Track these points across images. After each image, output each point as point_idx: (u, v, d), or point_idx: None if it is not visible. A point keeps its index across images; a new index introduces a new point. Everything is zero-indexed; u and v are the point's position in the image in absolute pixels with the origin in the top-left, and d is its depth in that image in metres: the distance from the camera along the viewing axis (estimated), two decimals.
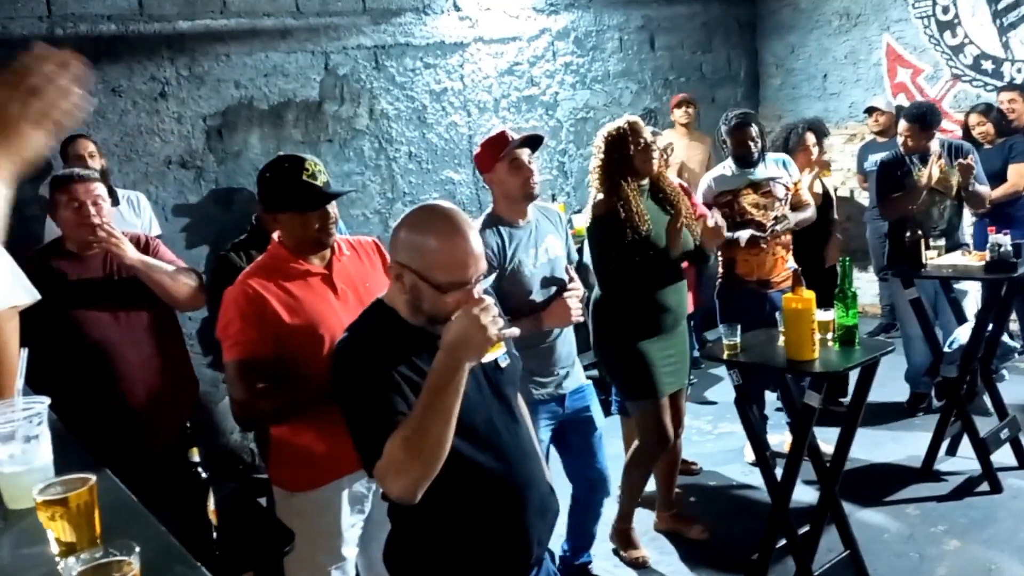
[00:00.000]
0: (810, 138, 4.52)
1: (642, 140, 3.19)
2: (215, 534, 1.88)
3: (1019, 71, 5.72)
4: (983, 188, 4.44)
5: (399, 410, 1.58)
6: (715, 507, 3.96)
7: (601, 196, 3.24)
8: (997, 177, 4.87)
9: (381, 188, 5.08)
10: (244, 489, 3.24)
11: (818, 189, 4.57)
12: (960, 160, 4.33)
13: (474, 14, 5.35)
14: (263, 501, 2.64)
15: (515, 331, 1.66)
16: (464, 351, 1.54)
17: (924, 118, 4.43)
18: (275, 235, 2.35)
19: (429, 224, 1.65)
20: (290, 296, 2.22)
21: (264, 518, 2.25)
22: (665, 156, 4.06)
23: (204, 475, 1.88)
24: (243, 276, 2.26)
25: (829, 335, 3.08)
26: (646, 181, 3.27)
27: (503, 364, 1.82)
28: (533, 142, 2.88)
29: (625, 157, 3.18)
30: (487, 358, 1.67)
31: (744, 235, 3.97)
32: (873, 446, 4.30)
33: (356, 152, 4.96)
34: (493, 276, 2.76)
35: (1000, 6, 5.75)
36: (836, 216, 4.91)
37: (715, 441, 4.69)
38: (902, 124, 4.49)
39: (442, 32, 5.23)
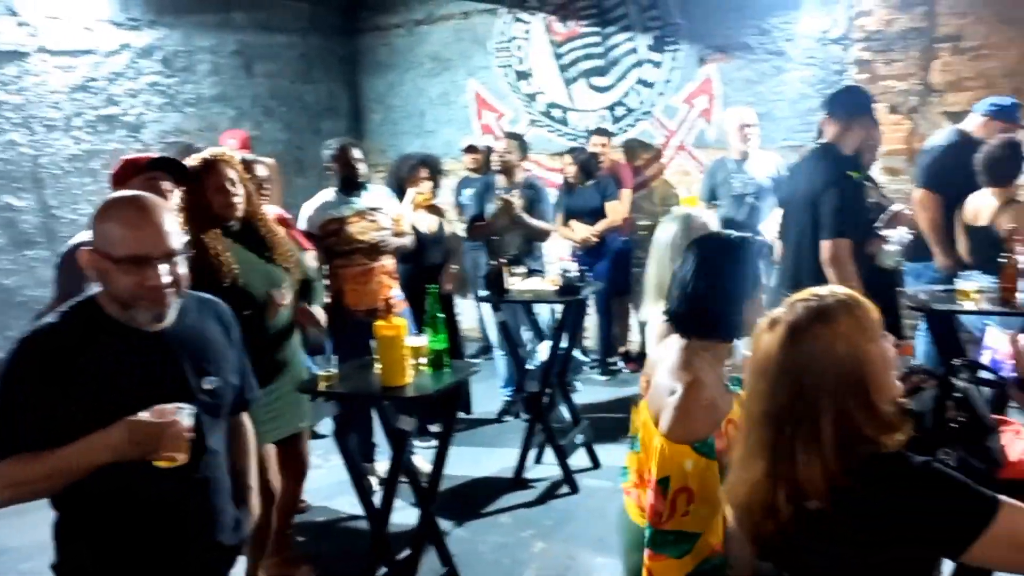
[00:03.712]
0: (423, 171, 4.69)
1: (221, 181, 2.86)
2: None
3: (581, 119, 6.55)
4: (538, 223, 4.92)
5: (26, 432, 1.61)
6: (325, 543, 3.87)
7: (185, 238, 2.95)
8: (596, 214, 5.52)
9: None
10: None
11: (433, 224, 4.75)
12: (502, 196, 4.77)
13: (35, 21, 4.70)
14: None
15: (182, 458, 1.65)
16: (126, 452, 1.60)
17: (520, 137, 5.10)
18: None
19: (112, 208, 1.70)
20: None
21: None
22: (263, 189, 3.89)
23: None
24: None
25: (422, 360, 3.19)
26: (235, 222, 2.97)
27: (208, 386, 1.80)
28: (177, 169, 2.67)
29: (201, 200, 2.86)
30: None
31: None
32: (472, 461, 4.54)
33: None
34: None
35: (563, 62, 6.55)
36: (451, 247, 5.15)
37: (326, 474, 4.59)
38: (503, 144, 4.94)
39: None
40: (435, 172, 4.94)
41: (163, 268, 1.65)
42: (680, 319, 1.85)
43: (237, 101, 6.08)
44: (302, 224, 4.12)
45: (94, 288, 1.73)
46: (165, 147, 5.48)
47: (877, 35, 5.46)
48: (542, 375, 4.38)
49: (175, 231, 1.70)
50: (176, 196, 2.73)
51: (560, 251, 5.89)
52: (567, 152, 5.77)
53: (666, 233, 2.24)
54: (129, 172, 2.64)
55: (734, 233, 1.94)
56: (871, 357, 1.35)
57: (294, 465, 3.28)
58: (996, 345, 1.59)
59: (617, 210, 5.64)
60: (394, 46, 7.10)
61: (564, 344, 4.43)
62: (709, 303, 1.79)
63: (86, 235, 2.57)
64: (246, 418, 2.10)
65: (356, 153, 4.12)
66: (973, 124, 4.35)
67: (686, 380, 1.74)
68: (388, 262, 4.22)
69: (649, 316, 2.22)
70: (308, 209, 4.16)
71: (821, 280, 3.14)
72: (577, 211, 5.55)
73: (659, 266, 2.18)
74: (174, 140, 5.53)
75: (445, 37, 6.89)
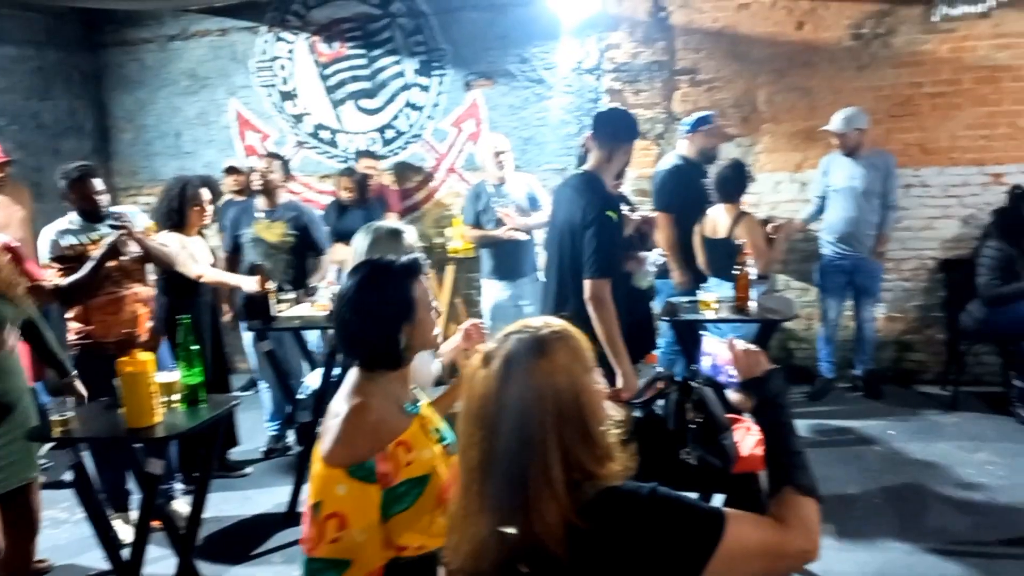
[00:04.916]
0: (205, 194, 4.38)
1: None
2: None
3: (351, 140, 6.47)
4: (322, 268, 4.83)
5: None
6: None
7: None
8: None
9: None
10: None
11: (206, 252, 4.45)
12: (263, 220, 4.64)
13: None
14: None
15: None
16: None
17: (282, 157, 5.01)
18: None
19: None
20: None
21: None
22: None
23: None
24: None
25: (175, 396, 2.97)
26: None
27: None
28: None
29: None
30: None
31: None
32: (240, 501, 4.30)
33: None
34: None
35: (329, 83, 6.44)
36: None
37: (74, 528, 4.15)
38: (264, 163, 4.79)
39: None
40: (216, 195, 4.67)
41: None
42: (343, 350, 1.82)
43: None
44: (42, 252, 3.73)
45: None
46: None
47: (625, 67, 5.87)
48: (315, 404, 4.24)
49: None
50: None
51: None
52: (343, 173, 5.65)
53: (359, 243, 2.28)
54: None
55: (384, 258, 1.85)
56: (588, 388, 1.30)
57: (24, 522, 2.92)
58: (714, 351, 1.70)
59: None
60: (144, 62, 6.64)
61: (337, 371, 4.32)
62: (360, 333, 1.75)
63: None
64: None
65: (97, 185, 3.76)
66: (684, 147, 4.91)
67: (352, 403, 1.70)
68: (140, 289, 3.91)
69: None
70: (48, 234, 3.77)
71: (583, 303, 3.23)
72: (346, 233, 5.44)
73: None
74: None
75: (201, 54, 6.55)
